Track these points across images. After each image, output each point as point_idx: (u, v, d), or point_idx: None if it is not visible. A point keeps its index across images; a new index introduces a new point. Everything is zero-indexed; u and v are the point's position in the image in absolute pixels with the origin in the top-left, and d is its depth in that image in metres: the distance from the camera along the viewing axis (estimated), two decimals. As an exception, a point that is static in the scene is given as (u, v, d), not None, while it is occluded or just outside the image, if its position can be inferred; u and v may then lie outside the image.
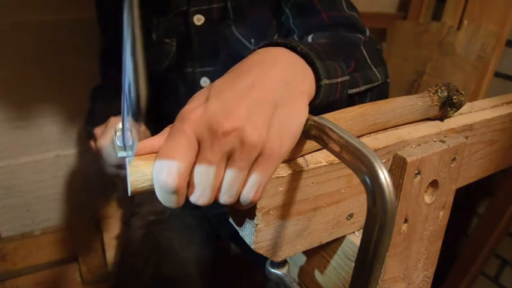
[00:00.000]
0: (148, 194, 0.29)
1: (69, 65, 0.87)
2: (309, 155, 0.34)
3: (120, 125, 0.28)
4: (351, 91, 0.42)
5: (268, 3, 0.65)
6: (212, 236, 0.87)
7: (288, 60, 0.33)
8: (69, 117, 0.93)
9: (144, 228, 0.80)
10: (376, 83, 0.47)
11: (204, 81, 0.70)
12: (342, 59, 0.41)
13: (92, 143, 0.65)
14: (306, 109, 0.31)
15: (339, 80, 0.38)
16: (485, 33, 1.02)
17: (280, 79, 0.30)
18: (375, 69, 0.48)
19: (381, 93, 0.50)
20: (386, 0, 1.30)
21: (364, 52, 0.49)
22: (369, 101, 0.45)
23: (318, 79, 0.35)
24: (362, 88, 0.44)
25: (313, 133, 0.30)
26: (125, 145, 0.28)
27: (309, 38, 0.54)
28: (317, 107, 0.36)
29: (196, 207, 0.82)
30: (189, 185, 0.28)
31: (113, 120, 0.63)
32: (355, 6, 0.64)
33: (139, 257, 0.75)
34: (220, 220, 0.85)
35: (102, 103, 0.77)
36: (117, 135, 0.28)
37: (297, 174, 0.32)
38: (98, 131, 0.64)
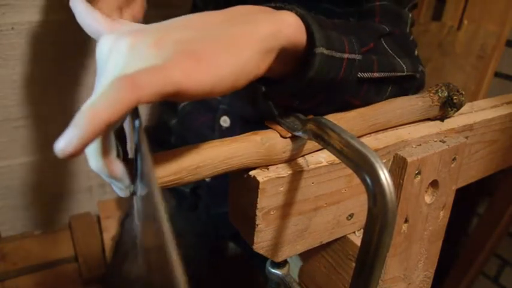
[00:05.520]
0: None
1: (70, 65, 0.87)
2: (310, 155, 0.34)
3: None
4: (362, 75, 0.35)
5: None
6: (207, 238, 0.86)
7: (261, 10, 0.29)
8: (69, 117, 0.92)
9: (136, 230, 0.79)
10: (398, 73, 0.39)
11: None
12: (357, 36, 0.35)
13: None
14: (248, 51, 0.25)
15: (345, 56, 0.32)
16: (485, 33, 1.03)
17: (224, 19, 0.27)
18: (398, 59, 0.41)
19: (407, 87, 0.43)
20: (386, 0, 1.30)
21: (385, 44, 0.41)
22: (391, 96, 0.41)
23: (312, 45, 0.30)
24: (376, 75, 0.37)
25: (313, 133, 0.30)
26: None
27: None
28: (312, 81, 0.31)
29: (190, 210, 0.82)
30: None
31: None
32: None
33: (130, 259, 0.74)
34: (221, 220, 0.85)
35: None
36: None
37: (297, 174, 0.32)
38: None
